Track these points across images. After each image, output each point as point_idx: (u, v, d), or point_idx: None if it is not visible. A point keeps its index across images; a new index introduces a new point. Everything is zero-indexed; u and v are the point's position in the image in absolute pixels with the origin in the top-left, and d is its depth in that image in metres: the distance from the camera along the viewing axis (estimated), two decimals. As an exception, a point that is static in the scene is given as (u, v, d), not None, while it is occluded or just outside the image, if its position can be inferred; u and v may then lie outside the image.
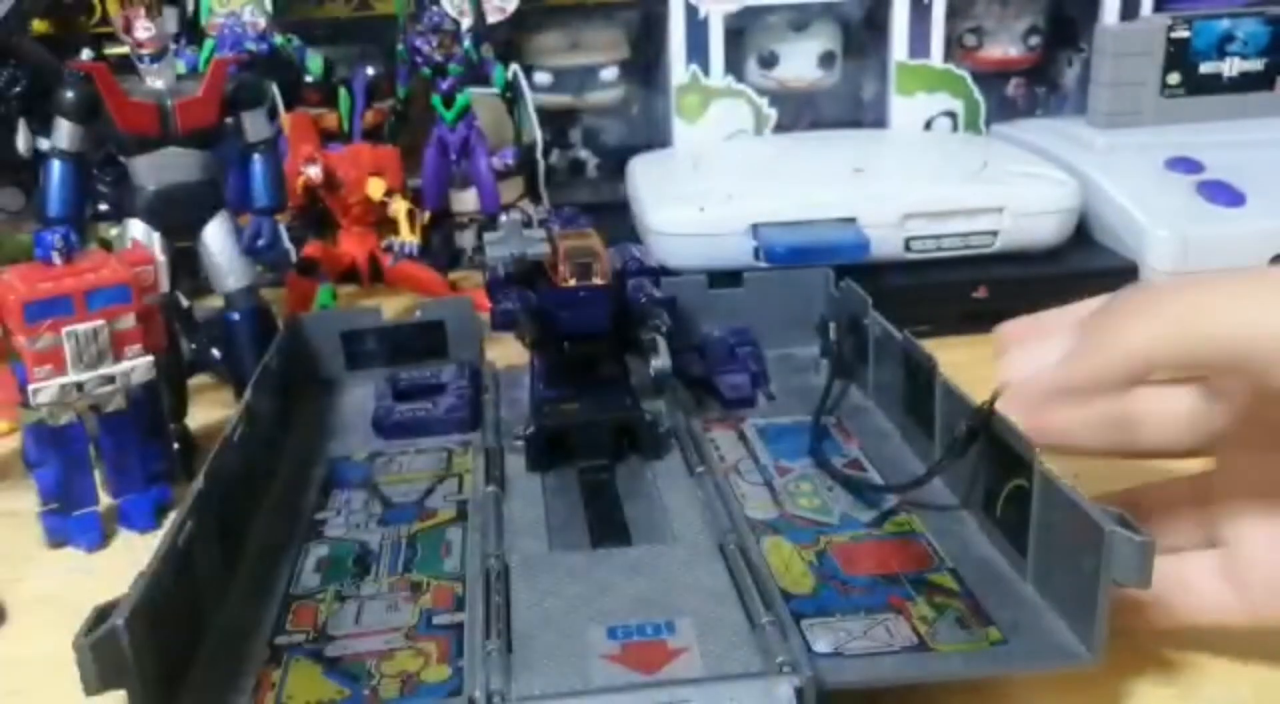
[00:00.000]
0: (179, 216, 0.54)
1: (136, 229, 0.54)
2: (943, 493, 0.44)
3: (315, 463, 0.51)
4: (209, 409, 0.59)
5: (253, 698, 0.34)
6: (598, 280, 0.48)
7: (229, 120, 0.56)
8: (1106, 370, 0.34)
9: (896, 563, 0.40)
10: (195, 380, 0.59)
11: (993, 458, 0.40)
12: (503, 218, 0.55)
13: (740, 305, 0.60)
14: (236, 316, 0.57)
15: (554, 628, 0.36)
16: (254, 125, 0.56)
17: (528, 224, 0.55)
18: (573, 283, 0.47)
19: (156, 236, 0.54)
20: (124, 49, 0.53)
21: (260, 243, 0.57)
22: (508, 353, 0.58)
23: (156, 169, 0.53)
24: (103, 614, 0.30)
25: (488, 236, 0.53)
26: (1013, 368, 0.38)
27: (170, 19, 0.53)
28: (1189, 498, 0.38)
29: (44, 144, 0.54)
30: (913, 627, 0.36)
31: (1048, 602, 0.36)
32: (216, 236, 0.55)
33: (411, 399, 0.55)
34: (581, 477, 0.47)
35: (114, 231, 0.60)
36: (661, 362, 0.48)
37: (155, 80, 0.53)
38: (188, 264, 0.56)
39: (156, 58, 0.53)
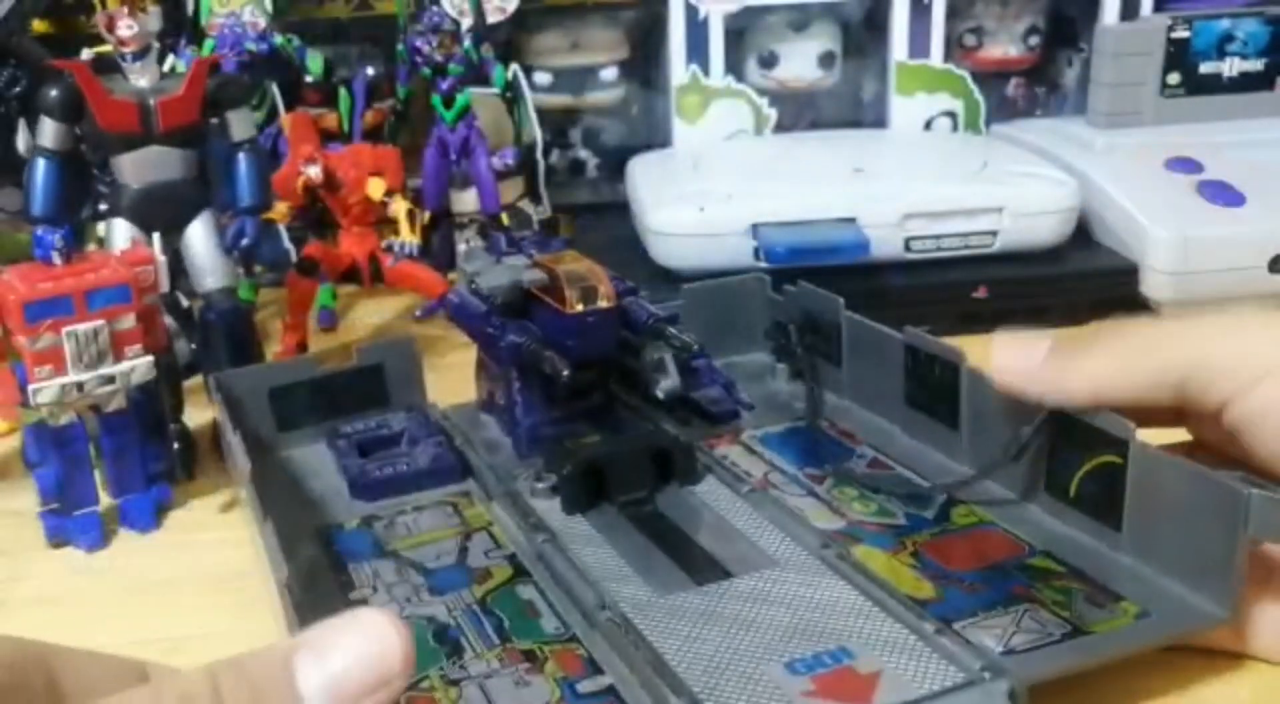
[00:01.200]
0: (163, 215, 0.54)
1: (120, 228, 0.54)
2: (984, 482, 0.43)
3: (302, 537, 0.44)
4: (209, 409, 0.58)
5: None
6: (604, 303, 0.46)
7: (214, 120, 0.55)
8: (1063, 395, 0.38)
9: (992, 553, 0.39)
10: (195, 381, 0.59)
11: (1055, 441, 0.40)
12: (461, 247, 0.52)
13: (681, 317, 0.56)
14: (213, 316, 0.56)
15: (729, 673, 0.33)
16: (238, 124, 0.56)
17: (508, 251, 0.52)
18: (580, 308, 0.45)
19: (156, 237, 0.54)
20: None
21: (244, 242, 0.56)
22: (442, 392, 0.55)
23: (140, 168, 0.53)
24: None
25: (470, 267, 0.50)
26: (1000, 352, 0.40)
27: (155, 17, 0.53)
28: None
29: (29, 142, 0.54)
30: (1054, 613, 0.35)
31: (1156, 570, 0.36)
32: (199, 235, 0.55)
33: (374, 453, 0.50)
34: (625, 512, 0.44)
35: (100, 229, 0.60)
36: (670, 382, 0.47)
37: (138, 78, 0.53)
38: (180, 263, 0.56)
39: (139, 56, 0.52)
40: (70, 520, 0.48)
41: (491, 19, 0.82)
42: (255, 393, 0.52)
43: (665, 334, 0.47)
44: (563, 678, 0.34)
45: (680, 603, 0.37)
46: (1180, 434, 0.40)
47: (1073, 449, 0.39)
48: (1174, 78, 0.80)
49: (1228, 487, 0.33)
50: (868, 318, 0.52)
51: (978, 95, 0.89)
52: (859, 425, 0.51)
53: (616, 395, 0.51)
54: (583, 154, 0.93)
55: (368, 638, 0.22)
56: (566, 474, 0.44)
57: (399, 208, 0.70)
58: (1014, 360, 0.39)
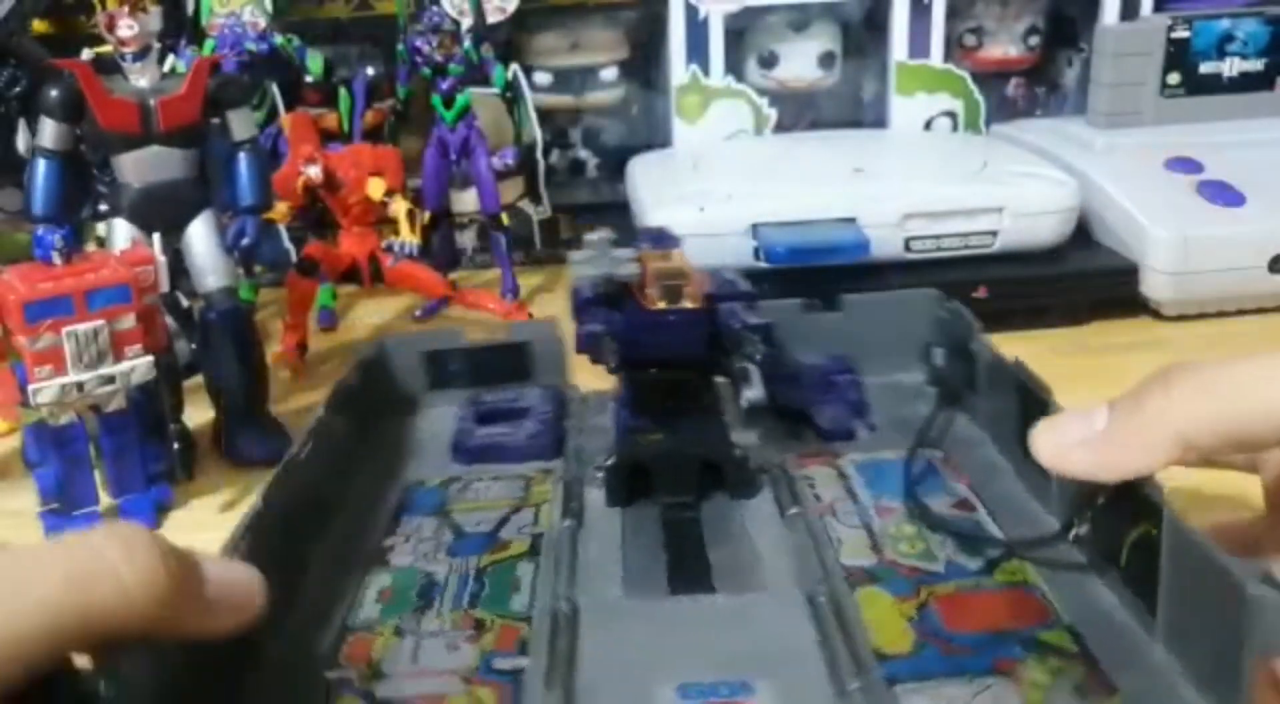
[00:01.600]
0: (163, 215, 0.54)
1: (120, 228, 0.54)
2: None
3: (389, 487, 0.48)
4: (209, 409, 0.59)
5: None
6: (688, 304, 0.45)
7: (215, 120, 0.55)
8: (1145, 450, 0.31)
9: (1007, 618, 0.36)
10: (195, 381, 0.59)
11: (1115, 501, 0.35)
12: (591, 235, 0.52)
13: (838, 330, 0.55)
14: (214, 316, 0.56)
15: (621, 683, 0.33)
16: (239, 124, 0.56)
17: (616, 242, 0.53)
18: (662, 306, 0.44)
19: (156, 237, 0.54)
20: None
21: (245, 242, 0.56)
22: (596, 377, 0.54)
23: (140, 167, 0.53)
24: None
25: (575, 255, 0.51)
26: (1043, 435, 0.34)
27: (156, 17, 0.53)
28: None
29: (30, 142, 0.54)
30: (1023, 695, 0.32)
31: (1182, 666, 0.32)
32: (200, 235, 0.55)
33: (493, 423, 0.52)
34: (664, 514, 0.44)
35: (100, 229, 0.60)
36: (754, 392, 0.45)
37: (138, 78, 0.53)
38: (181, 263, 0.56)
39: (139, 56, 0.52)
40: (70, 520, 0.48)
41: (491, 19, 0.82)
42: (411, 355, 0.56)
43: (741, 343, 0.45)
44: (490, 651, 0.35)
45: (640, 608, 0.37)
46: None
47: (1124, 512, 0.35)
48: (1174, 78, 0.80)
49: (1232, 579, 0.28)
50: (910, 330, 0.50)
51: (978, 95, 0.89)
52: (973, 461, 0.47)
53: (724, 400, 0.49)
54: (583, 154, 0.93)
55: (240, 569, 0.28)
56: (610, 467, 0.45)
57: (399, 208, 0.70)
58: (1067, 437, 0.33)
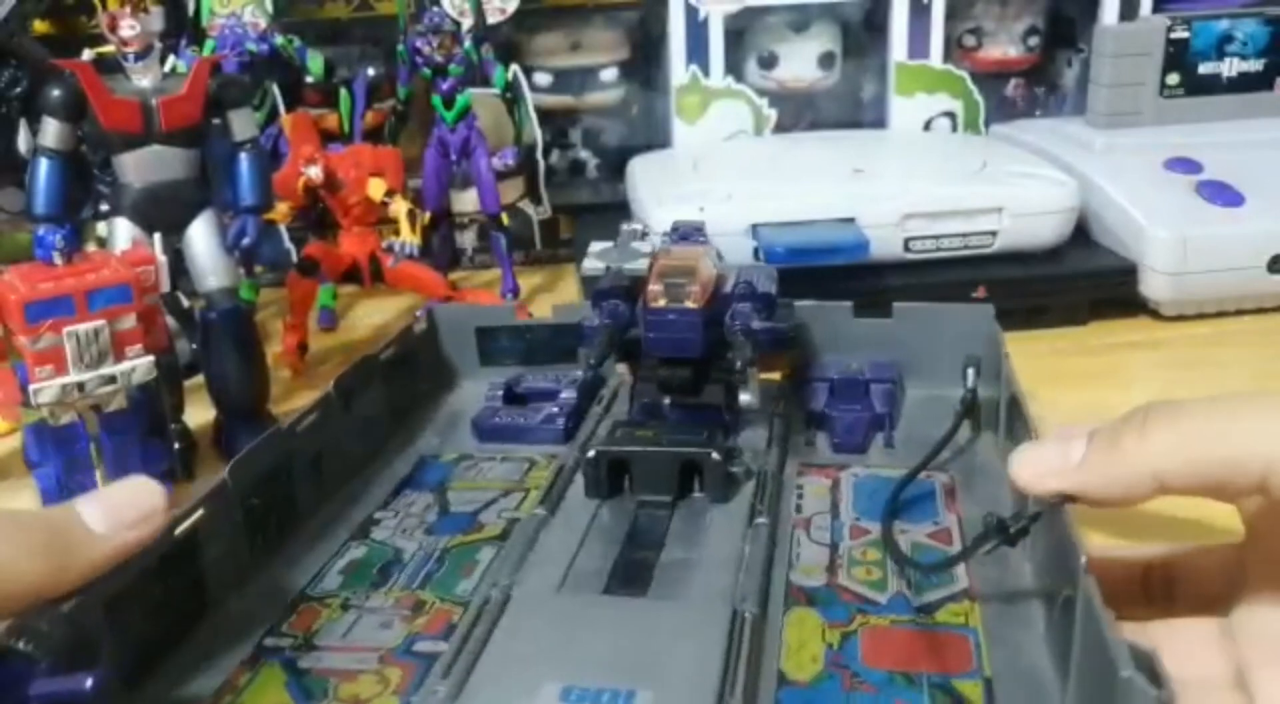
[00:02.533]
0: (164, 215, 0.54)
1: (121, 228, 0.54)
2: (1024, 581, 0.38)
3: (402, 458, 0.49)
4: (209, 409, 0.59)
5: (214, 697, 0.33)
6: (689, 303, 0.44)
7: (216, 120, 0.56)
8: (1117, 485, 0.31)
9: (926, 661, 0.34)
10: (195, 380, 0.59)
11: (1054, 556, 0.34)
12: (623, 226, 0.51)
13: (889, 337, 0.53)
14: (214, 316, 0.56)
15: (510, 678, 0.33)
16: (240, 124, 0.56)
17: (642, 236, 0.53)
18: (663, 303, 0.44)
19: (157, 237, 0.54)
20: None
21: (245, 242, 0.56)
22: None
23: (142, 167, 0.53)
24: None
25: (592, 246, 0.51)
26: (1022, 460, 0.34)
27: (157, 17, 0.53)
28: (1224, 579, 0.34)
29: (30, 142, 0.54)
30: None
31: None
32: (200, 235, 0.56)
33: (522, 403, 0.53)
34: (638, 511, 0.43)
35: (101, 228, 0.60)
36: (749, 397, 0.45)
37: (140, 78, 0.53)
38: (181, 263, 0.56)
39: (141, 56, 0.53)
40: (71, 520, 0.48)
41: (491, 19, 0.82)
42: (464, 327, 0.57)
43: (737, 347, 0.45)
44: (417, 633, 0.36)
45: (566, 605, 0.37)
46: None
47: (1057, 569, 0.34)
48: (1173, 78, 0.80)
49: (1110, 657, 0.26)
50: (962, 344, 0.49)
51: (977, 96, 0.89)
52: (976, 490, 0.45)
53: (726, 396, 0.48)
54: (583, 154, 0.93)
55: (134, 485, 0.32)
56: (590, 459, 0.44)
57: (399, 208, 0.70)
58: (1045, 465, 0.32)
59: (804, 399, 0.50)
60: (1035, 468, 0.33)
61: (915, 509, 0.43)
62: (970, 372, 0.49)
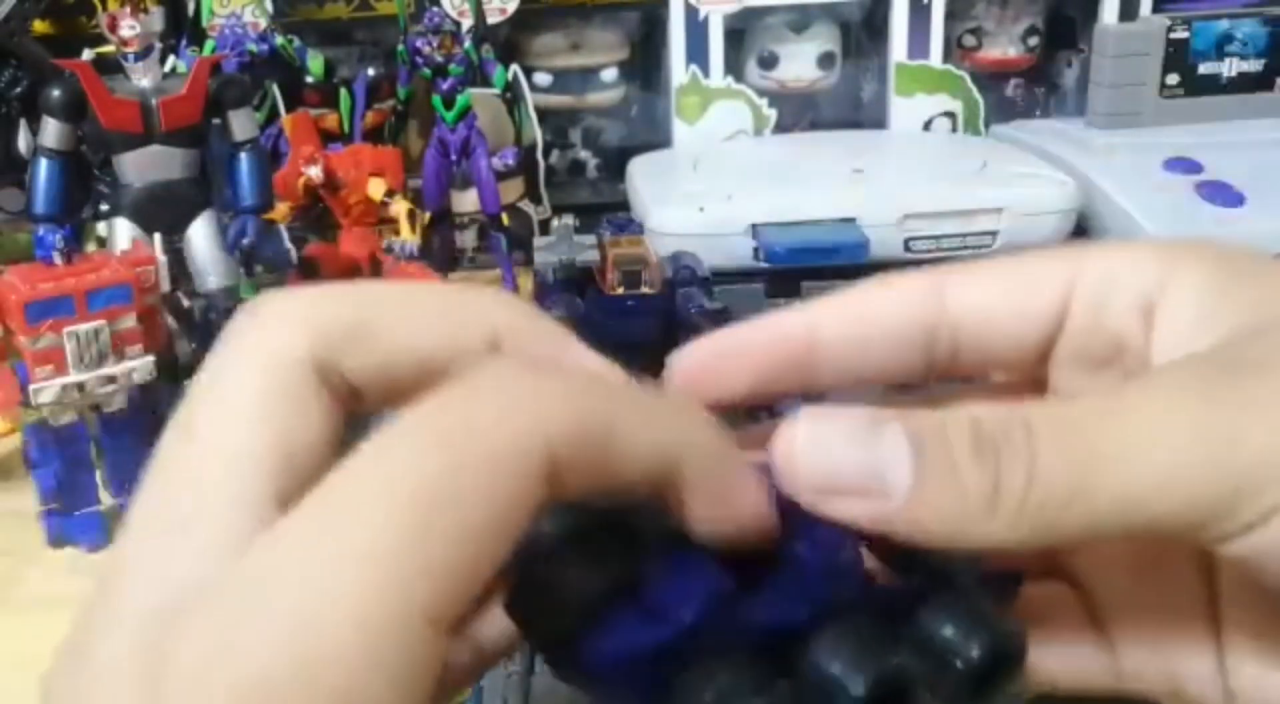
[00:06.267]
0: (164, 215, 0.54)
1: (121, 228, 0.54)
2: None
3: None
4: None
5: None
6: (646, 289, 0.46)
7: (216, 120, 0.56)
8: (977, 539, 0.18)
9: None
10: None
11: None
12: (555, 222, 0.53)
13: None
14: (214, 316, 0.56)
15: None
16: (240, 124, 0.56)
17: (579, 229, 0.53)
18: (620, 291, 0.46)
19: (157, 237, 0.54)
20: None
21: (245, 242, 0.57)
22: None
23: (142, 167, 0.54)
24: None
25: (538, 241, 0.51)
26: (802, 447, 0.19)
27: (158, 17, 0.53)
28: None
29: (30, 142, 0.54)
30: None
31: None
32: (201, 235, 0.56)
33: None
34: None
35: (101, 228, 0.60)
36: None
37: (140, 78, 0.53)
38: (181, 263, 0.56)
39: (141, 56, 0.53)
40: (71, 520, 0.48)
41: (491, 19, 0.82)
42: None
43: (695, 329, 0.46)
44: None
45: None
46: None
47: None
48: (1173, 78, 0.80)
49: None
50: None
51: (977, 96, 0.89)
52: None
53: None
54: (583, 154, 0.93)
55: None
56: None
57: (399, 208, 0.70)
58: (840, 471, 0.19)
59: None
60: (822, 470, 0.19)
61: None
62: None
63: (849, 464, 0.18)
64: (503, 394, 0.17)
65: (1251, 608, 0.20)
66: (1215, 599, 0.21)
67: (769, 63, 0.89)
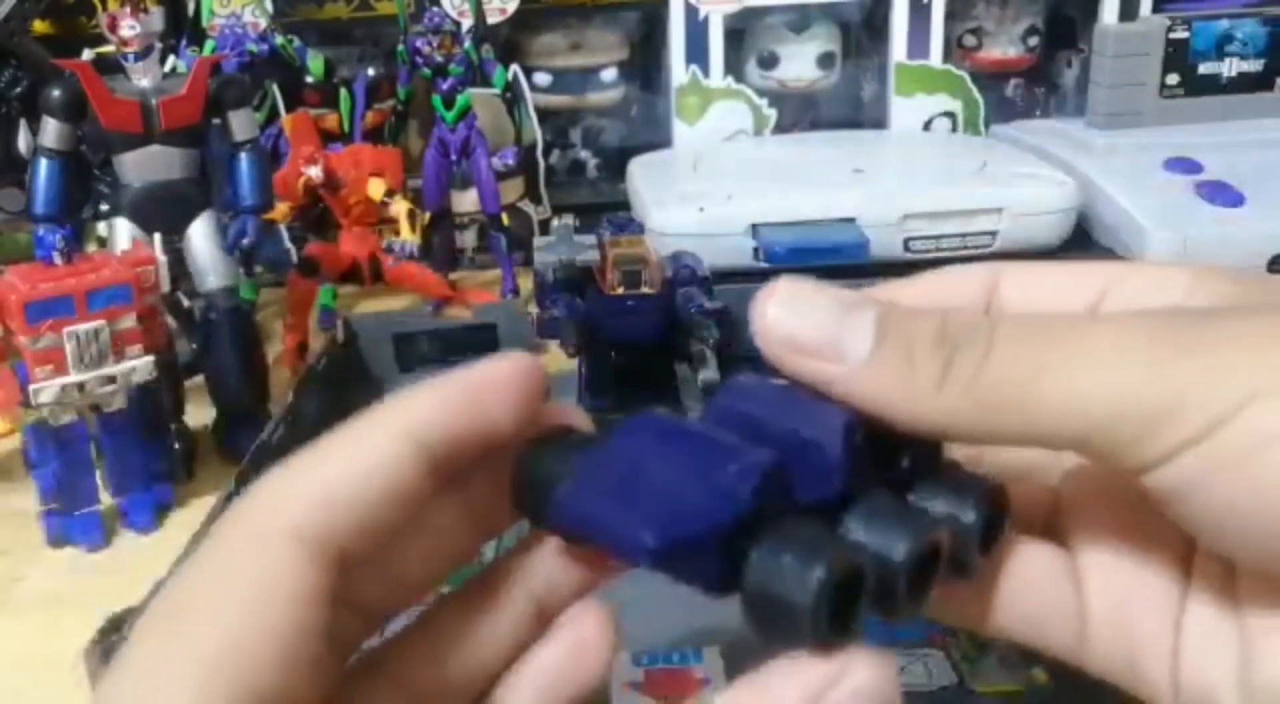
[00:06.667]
0: (164, 215, 0.54)
1: (121, 228, 0.54)
2: None
3: None
4: (209, 409, 0.59)
5: None
6: (646, 289, 0.46)
7: (216, 120, 0.56)
8: (917, 417, 0.20)
9: None
10: (195, 380, 0.59)
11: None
12: (555, 222, 0.53)
13: None
14: (214, 316, 0.56)
15: None
16: (240, 124, 0.56)
17: (579, 229, 0.53)
18: (620, 291, 0.46)
19: (157, 237, 0.54)
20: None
21: (245, 242, 0.56)
22: (559, 358, 0.56)
23: (141, 167, 0.54)
24: (116, 623, 0.29)
25: (538, 241, 0.52)
26: (777, 307, 0.21)
27: (158, 17, 0.53)
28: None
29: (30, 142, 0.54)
30: (953, 664, 0.34)
31: None
32: (200, 235, 0.56)
33: None
34: None
35: (101, 228, 0.60)
36: (709, 374, 0.47)
37: (140, 78, 0.53)
38: (181, 263, 0.56)
39: (141, 55, 0.53)
40: (71, 520, 0.48)
41: (491, 19, 0.82)
42: (381, 336, 0.57)
43: (696, 327, 0.47)
44: None
45: None
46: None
47: None
48: (1173, 78, 0.80)
49: None
50: None
51: (977, 96, 0.89)
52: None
53: (682, 381, 0.50)
54: (583, 154, 0.93)
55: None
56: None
57: (399, 208, 0.70)
58: (806, 332, 0.21)
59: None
60: (790, 328, 0.21)
61: None
62: None
63: (815, 328, 0.21)
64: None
65: (1215, 605, 0.21)
66: (1186, 591, 0.22)
67: (769, 63, 0.89)
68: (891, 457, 0.21)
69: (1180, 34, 0.80)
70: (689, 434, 0.20)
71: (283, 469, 0.21)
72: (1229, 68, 0.81)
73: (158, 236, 0.54)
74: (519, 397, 0.22)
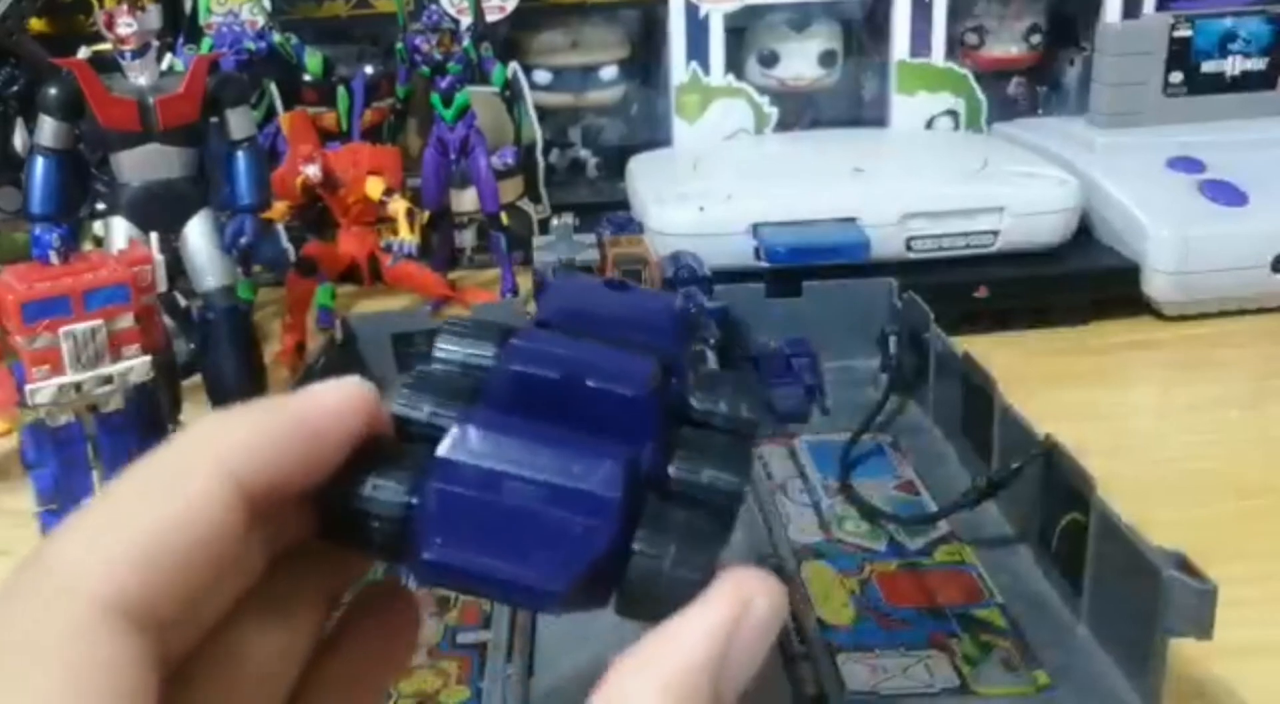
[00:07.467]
0: (162, 214, 0.54)
1: (118, 227, 0.54)
2: (998, 522, 0.42)
3: None
4: (206, 409, 0.58)
5: None
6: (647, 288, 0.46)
7: (214, 119, 0.55)
8: None
9: (943, 595, 0.38)
10: (193, 380, 0.59)
11: (1049, 489, 0.38)
12: (555, 221, 0.53)
13: (798, 315, 0.57)
14: (212, 315, 0.56)
15: (580, 651, 0.34)
16: (237, 123, 0.56)
17: (578, 228, 0.53)
18: None
19: (154, 236, 0.54)
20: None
21: (243, 241, 0.56)
22: None
23: (139, 166, 0.53)
24: None
25: (537, 240, 0.52)
26: None
27: (155, 15, 0.53)
28: None
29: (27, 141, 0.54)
30: (955, 666, 0.34)
31: (1102, 645, 0.34)
32: (198, 234, 0.55)
33: None
34: None
35: (98, 227, 0.60)
36: (711, 368, 0.47)
37: (138, 77, 0.53)
38: (179, 262, 0.56)
39: (138, 54, 0.52)
40: (68, 521, 0.48)
41: (491, 17, 0.82)
42: (379, 336, 0.58)
43: (696, 327, 0.47)
44: (454, 626, 0.37)
45: None
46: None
47: (1056, 499, 0.37)
48: (1176, 77, 0.80)
49: (1148, 562, 0.30)
50: (867, 318, 0.51)
51: (979, 94, 0.88)
52: (918, 446, 0.50)
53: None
54: (583, 153, 0.93)
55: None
56: None
57: (398, 207, 0.69)
58: None
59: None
60: None
61: (872, 466, 0.48)
62: (892, 340, 0.54)
63: None
64: None
65: None
66: None
67: (770, 61, 0.88)
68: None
69: (1183, 32, 0.79)
70: (527, 437, 0.19)
71: (87, 515, 0.18)
72: (1232, 66, 0.80)
73: (155, 235, 0.54)
74: (350, 432, 0.20)
